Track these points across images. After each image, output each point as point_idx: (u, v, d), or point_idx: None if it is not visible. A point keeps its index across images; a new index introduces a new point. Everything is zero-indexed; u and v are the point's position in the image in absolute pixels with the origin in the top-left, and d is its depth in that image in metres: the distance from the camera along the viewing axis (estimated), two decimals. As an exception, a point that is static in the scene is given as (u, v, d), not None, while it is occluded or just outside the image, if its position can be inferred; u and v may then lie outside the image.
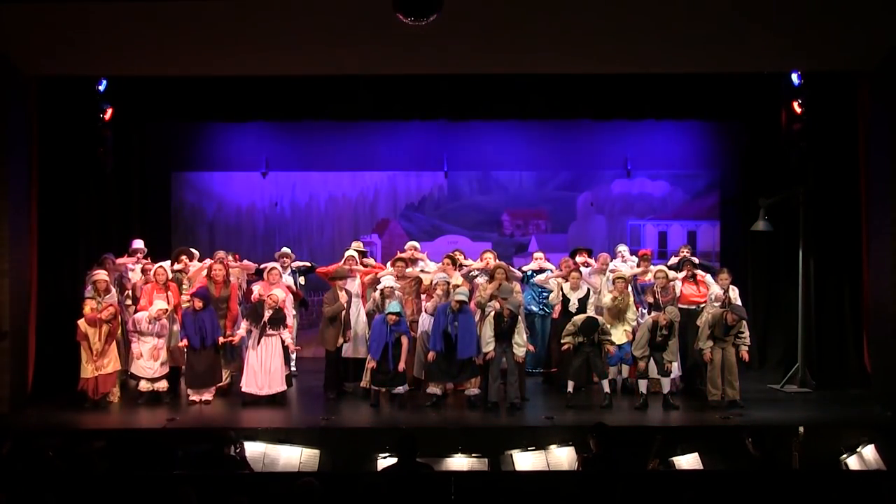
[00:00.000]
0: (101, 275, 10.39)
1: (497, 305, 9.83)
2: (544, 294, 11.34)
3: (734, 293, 10.50)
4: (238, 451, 7.84)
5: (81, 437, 8.59)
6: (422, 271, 10.93)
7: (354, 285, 10.78)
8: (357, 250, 11.22)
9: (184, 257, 11.13)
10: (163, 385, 10.32)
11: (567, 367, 10.26)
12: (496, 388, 9.94)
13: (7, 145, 9.88)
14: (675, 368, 10.32)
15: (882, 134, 10.11)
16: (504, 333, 9.84)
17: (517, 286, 10.61)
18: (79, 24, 9.29)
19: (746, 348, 10.05)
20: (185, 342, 10.12)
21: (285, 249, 11.62)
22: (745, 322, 10.06)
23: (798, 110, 11.24)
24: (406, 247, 11.51)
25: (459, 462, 8.53)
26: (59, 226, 10.94)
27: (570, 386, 10.13)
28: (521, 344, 9.92)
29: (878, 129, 10.25)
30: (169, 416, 9.52)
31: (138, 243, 11.53)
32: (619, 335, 10.31)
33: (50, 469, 7.26)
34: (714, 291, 10.55)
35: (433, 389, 10.05)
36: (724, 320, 9.92)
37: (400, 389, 10.01)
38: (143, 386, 10.28)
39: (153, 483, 6.72)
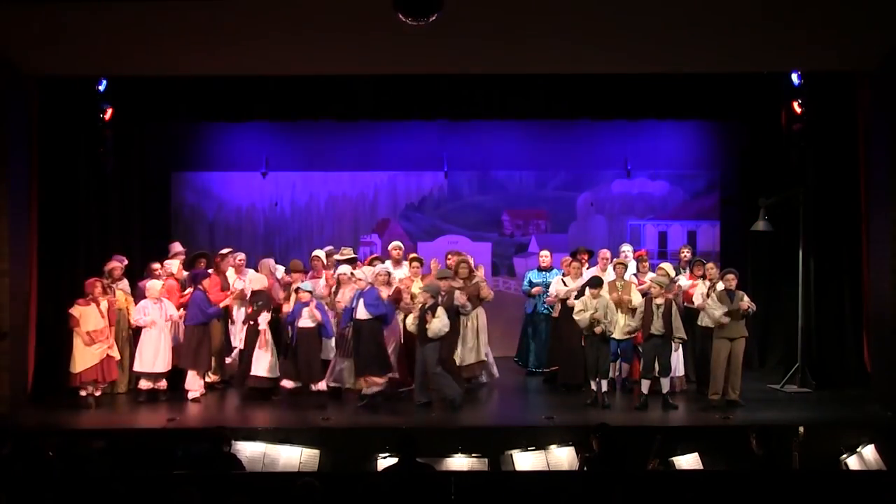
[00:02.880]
0: (114, 262, 10.74)
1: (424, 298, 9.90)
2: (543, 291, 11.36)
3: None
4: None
5: (81, 437, 8.59)
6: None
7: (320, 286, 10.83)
8: (347, 256, 11.09)
9: (203, 261, 11.21)
10: (162, 384, 10.41)
11: (578, 367, 10.33)
12: (421, 386, 9.96)
13: (7, 145, 9.89)
14: (677, 361, 10.32)
15: (882, 134, 10.11)
16: (425, 328, 9.78)
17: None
18: (79, 24, 9.29)
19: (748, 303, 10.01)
20: (181, 314, 10.39)
21: (329, 248, 11.56)
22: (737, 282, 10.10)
23: (798, 110, 11.23)
24: (390, 247, 11.47)
25: (459, 462, 8.53)
26: (59, 226, 10.95)
27: (593, 384, 10.09)
28: (435, 326, 9.72)
29: (878, 129, 10.25)
30: (169, 416, 9.53)
31: (178, 246, 11.63)
32: (621, 326, 10.27)
33: (50, 469, 7.26)
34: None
35: (369, 389, 10.02)
36: (723, 286, 9.96)
37: (320, 386, 10.13)
38: (143, 384, 10.37)
39: (153, 483, 6.73)
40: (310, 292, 10.11)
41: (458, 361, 10.45)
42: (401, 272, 11.01)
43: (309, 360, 10.11)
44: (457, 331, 10.23)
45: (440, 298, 9.90)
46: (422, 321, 9.81)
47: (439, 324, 9.74)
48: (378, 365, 9.97)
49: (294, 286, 10.36)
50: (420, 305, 9.92)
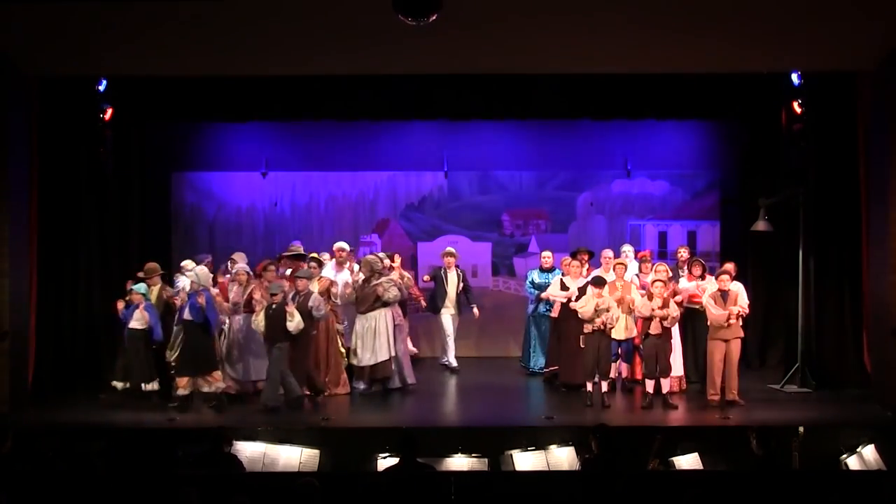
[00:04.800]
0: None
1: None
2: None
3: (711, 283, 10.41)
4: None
5: (81, 437, 8.59)
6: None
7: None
8: (295, 253, 11.04)
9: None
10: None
11: (578, 367, 10.29)
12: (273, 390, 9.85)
13: (7, 145, 9.89)
14: (677, 359, 10.30)
15: (882, 134, 10.10)
16: (275, 328, 9.70)
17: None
18: (79, 24, 9.29)
19: (742, 308, 9.99)
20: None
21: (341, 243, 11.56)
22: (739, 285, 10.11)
23: (798, 110, 11.24)
24: (334, 248, 11.39)
25: (459, 462, 8.53)
26: (59, 226, 10.95)
27: (589, 385, 10.07)
28: (295, 320, 9.65)
29: (877, 129, 10.25)
30: (169, 417, 9.54)
31: (298, 243, 11.52)
32: (621, 327, 10.27)
33: (50, 469, 7.27)
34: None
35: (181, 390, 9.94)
36: (717, 286, 9.95)
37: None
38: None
39: (153, 483, 6.73)
40: (143, 294, 10.06)
41: (356, 362, 10.55)
42: (344, 276, 11.00)
43: (136, 362, 10.00)
44: (309, 332, 10.01)
45: (297, 298, 9.84)
46: (273, 320, 9.70)
47: (296, 320, 9.68)
48: (193, 366, 9.86)
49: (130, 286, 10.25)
50: (265, 305, 9.83)
